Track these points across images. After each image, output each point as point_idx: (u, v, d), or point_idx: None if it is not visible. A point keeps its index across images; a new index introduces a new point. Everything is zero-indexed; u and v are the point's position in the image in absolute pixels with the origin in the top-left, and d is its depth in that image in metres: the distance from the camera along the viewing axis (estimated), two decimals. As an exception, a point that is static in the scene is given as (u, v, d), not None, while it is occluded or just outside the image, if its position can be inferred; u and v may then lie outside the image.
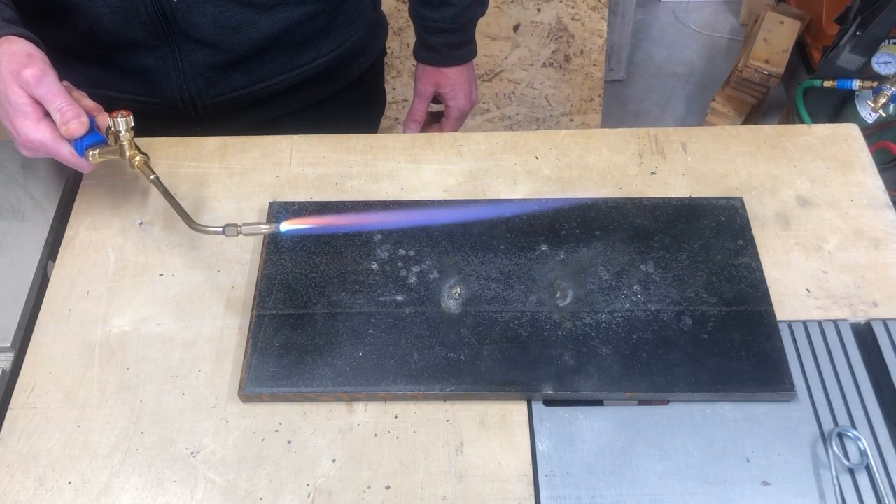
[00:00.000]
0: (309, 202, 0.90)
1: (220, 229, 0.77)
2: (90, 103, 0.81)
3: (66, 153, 0.78)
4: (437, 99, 1.19)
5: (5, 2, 0.84)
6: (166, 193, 0.81)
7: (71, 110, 0.76)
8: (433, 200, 0.91)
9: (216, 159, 0.97)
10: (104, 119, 0.80)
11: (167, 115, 1.03)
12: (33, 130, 0.77)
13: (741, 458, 0.72)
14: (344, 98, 1.15)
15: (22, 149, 0.80)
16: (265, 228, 0.78)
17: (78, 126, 0.76)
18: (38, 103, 0.77)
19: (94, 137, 0.79)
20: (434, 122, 1.23)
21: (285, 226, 0.78)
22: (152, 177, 0.80)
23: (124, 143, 0.79)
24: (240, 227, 0.77)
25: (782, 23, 2.27)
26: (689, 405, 0.75)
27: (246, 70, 1.03)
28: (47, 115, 0.78)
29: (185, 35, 0.96)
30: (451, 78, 1.16)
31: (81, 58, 0.80)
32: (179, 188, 0.93)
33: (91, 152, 0.78)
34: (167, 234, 0.89)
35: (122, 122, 0.77)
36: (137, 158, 0.80)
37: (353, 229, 0.85)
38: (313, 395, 0.76)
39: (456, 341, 0.78)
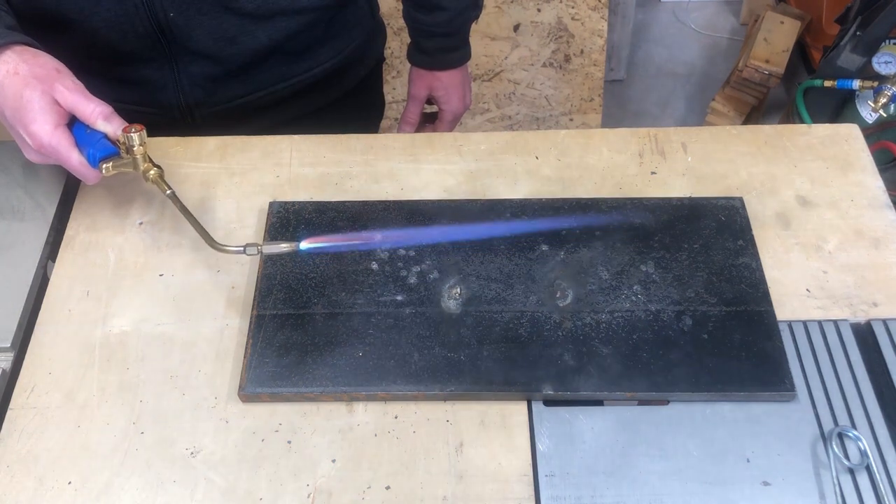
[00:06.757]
0: (309, 202, 0.90)
1: (242, 249, 0.78)
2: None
3: (76, 162, 0.78)
4: (430, 100, 1.20)
5: (4, 9, 0.84)
6: (184, 210, 0.81)
7: (107, 108, 0.78)
8: (434, 201, 0.91)
9: (216, 159, 0.97)
10: (116, 122, 0.80)
11: (165, 124, 1.03)
12: (49, 136, 0.77)
13: (741, 458, 0.72)
14: (343, 105, 1.15)
15: (32, 154, 0.80)
16: (285, 248, 0.78)
17: (109, 119, 0.78)
18: (60, 110, 0.77)
19: (107, 149, 0.78)
20: (428, 122, 1.23)
21: (305, 244, 0.79)
22: (168, 192, 0.80)
23: (137, 156, 0.79)
24: (260, 246, 0.78)
25: (782, 23, 2.27)
26: (689, 405, 0.75)
27: (244, 80, 1.03)
28: (63, 122, 0.78)
29: (183, 47, 0.96)
30: (445, 81, 1.16)
31: (78, 68, 0.80)
32: (179, 188, 0.92)
33: (105, 165, 0.78)
34: (167, 234, 0.89)
35: (137, 137, 0.77)
36: (152, 172, 0.80)
37: (372, 246, 0.85)
38: (313, 395, 0.76)
39: (456, 341, 0.78)
